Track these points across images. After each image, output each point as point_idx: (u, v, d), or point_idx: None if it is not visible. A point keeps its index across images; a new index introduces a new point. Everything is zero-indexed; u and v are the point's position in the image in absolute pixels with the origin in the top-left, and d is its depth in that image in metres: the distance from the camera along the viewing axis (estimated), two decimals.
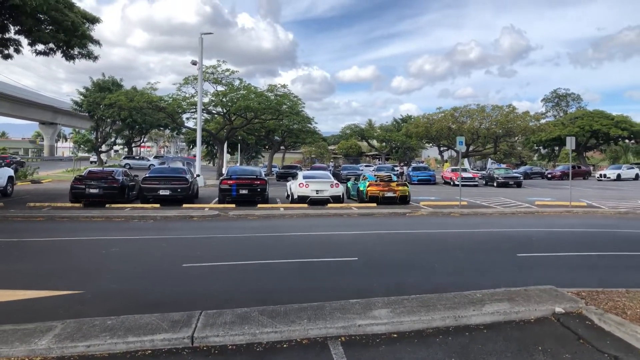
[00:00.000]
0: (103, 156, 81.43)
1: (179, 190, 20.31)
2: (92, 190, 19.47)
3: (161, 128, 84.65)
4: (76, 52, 23.88)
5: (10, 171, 23.80)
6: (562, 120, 65.96)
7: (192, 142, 71.74)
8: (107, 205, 19.40)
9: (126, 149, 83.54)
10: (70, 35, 22.04)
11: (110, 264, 9.58)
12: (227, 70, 39.33)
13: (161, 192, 20.21)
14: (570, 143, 21.05)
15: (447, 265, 9.57)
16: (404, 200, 21.69)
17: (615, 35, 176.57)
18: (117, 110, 48.37)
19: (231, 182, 20.73)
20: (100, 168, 23.24)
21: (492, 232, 14.12)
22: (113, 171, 21.09)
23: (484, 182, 40.59)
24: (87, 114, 64.50)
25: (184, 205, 19.82)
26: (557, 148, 74.17)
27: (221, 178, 22.00)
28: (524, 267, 9.39)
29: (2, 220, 15.73)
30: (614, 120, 59.80)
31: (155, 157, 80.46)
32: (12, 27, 23.12)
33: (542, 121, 53.48)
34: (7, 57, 25.57)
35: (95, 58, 24.43)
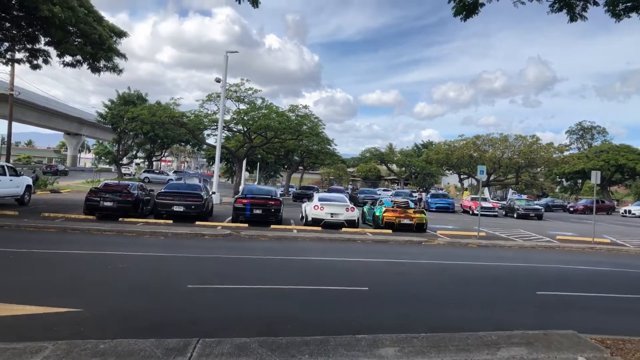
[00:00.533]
0: (126, 168, 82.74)
1: (192, 207, 20.18)
2: (106, 203, 19.44)
3: (182, 143, 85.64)
4: (102, 65, 24.19)
5: (28, 180, 23.96)
6: (587, 153, 64.85)
7: (212, 159, 72.11)
8: (120, 219, 19.33)
9: (146, 163, 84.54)
10: (97, 48, 22.33)
11: (115, 281, 9.36)
12: (250, 89, 39.63)
13: (175, 208, 20.10)
14: (596, 177, 20.44)
15: (461, 299, 9.12)
16: (420, 228, 21.22)
17: None
18: (139, 124, 49.02)
19: (246, 201, 20.54)
20: (117, 181, 23.27)
21: (511, 267, 13.59)
22: (129, 185, 21.07)
23: (503, 212, 39.80)
24: (110, 127, 65.51)
25: (197, 223, 19.65)
26: (579, 181, 72.87)
27: (236, 197, 21.83)
28: (543, 307, 8.90)
29: (15, 230, 15.71)
30: None
31: (175, 172, 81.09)
32: (42, 38, 23.56)
33: (566, 153, 52.55)
34: (36, 67, 26.04)
35: (120, 71, 24.72)
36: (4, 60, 26.51)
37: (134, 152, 77.62)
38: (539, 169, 58.36)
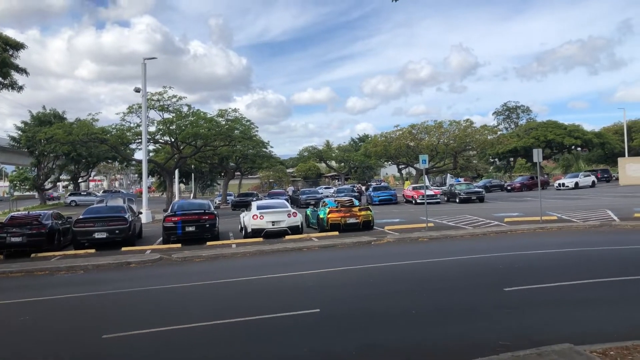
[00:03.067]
0: (51, 193, 77.36)
1: (117, 231, 18.08)
2: (14, 239, 17.01)
3: (109, 161, 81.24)
4: None
5: None
6: (517, 132, 66.65)
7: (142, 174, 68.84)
8: (32, 255, 17.00)
9: (72, 185, 79.47)
10: None
11: (11, 341, 7.49)
12: (174, 96, 37.28)
13: (97, 235, 17.94)
14: (538, 155, 20.08)
15: (426, 309, 7.91)
16: (367, 225, 20.12)
17: (557, 49, 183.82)
18: (58, 145, 45.42)
19: (176, 218, 18.66)
20: (26, 212, 20.69)
21: (469, 261, 12.61)
22: (40, 215, 18.63)
23: (445, 198, 39.65)
24: (26, 150, 60.78)
25: (123, 249, 17.63)
26: (511, 160, 74.95)
27: (165, 215, 19.84)
28: (518, 307, 7.84)
29: None
30: (567, 129, 60.74)
31: (105, 192, 76.73)
32: None
33: (499, 133, 53.56)
34: None
35: (20, 88, 22.15)
36: None
37: (57, 175, 72.63)
38: (472, 152, 59.27)
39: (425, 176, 54.76)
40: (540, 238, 16.04)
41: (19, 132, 60.48)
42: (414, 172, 72.51)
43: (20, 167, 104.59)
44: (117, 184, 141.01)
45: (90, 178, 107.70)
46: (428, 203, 34.50)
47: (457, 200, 36.76)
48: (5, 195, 79.90)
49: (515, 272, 10.59)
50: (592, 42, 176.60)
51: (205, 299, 9.72)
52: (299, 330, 7.28)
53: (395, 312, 7.91)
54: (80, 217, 18.81)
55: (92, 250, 17.59)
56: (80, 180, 78.43)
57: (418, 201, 36.42)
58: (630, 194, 35.06)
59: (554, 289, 8.91)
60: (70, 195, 67.11)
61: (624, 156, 57.20)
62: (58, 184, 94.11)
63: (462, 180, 63.88)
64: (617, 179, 55.36)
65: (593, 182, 49.42)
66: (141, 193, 36.26)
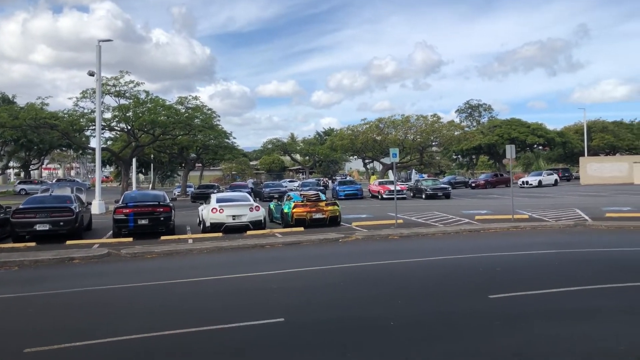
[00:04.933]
0: None
1: (61, 223, 16.49)
2: None
3: (63, 148, 77.69)
4: None
5: None
6: (482, 129, 66.92)
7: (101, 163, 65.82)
8: None
9: (22, 173, 75.66)
10: None
11: None
12: (132, 81, 35.26)
13: (38, 227, 16.31)
14: (511, 151, 19.49)
15: (406, 320, 6.90)
16: (334, 221, 19.11)
17: (517, 49, 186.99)
18: (7, 130, 42.63)
19: (127, 210, 17.19)
20: None
21: (446, 262, 11.72)
22: None
23: (411, 194, 39.15)
24: None
25: (68, 242, 16.09)
26: (474, 157, 75.47)
27: (115, 206, 18.32)
28: (508, 318, 6.93)
29: None
30: (530, 127, 61.30)
31: (58, 180, 73.35)
32: None
33: (465, 129, 53.50)
34: None
35: None
36: None
37: (5, 162, 68.85)
38: (434, 148, 59.15)
39: (390, 171, 54.53)
40: (516, 238, 15.35)
41: None
42: (378, 167, 72.20)
43: None
44: (73, 172, 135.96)
45: (44, 166, 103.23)
46: (393, 198, 34.02)
47: (424, 196, 36.24)
48: None
49: (498, 277, 9.73)
50: (551, 43, 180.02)
51: (150, 305, 8.44)
52: (261, 344, 6.14)
53: (370, 323, 6.86)
54: (20, 206, 17.13)
55: (33, 244, 15.98)
56: (31, 168, 74.76)
57: (384, 196, 35.74)
58: (594, 193, 35.30)
59: (544, 296, 8.04)
60: (19, 183, 63.64)
61: (584, 155, 58.17)
62: (8, 171, 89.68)
63: (425, 176, 63.92)
64: (577, 178, 56.25)
65: (556, 180, 49.92)
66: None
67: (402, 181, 55.40)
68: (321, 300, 8.27)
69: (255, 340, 6.33)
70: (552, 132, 64.15)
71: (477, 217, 20.36)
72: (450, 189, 38.41)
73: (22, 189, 56.56)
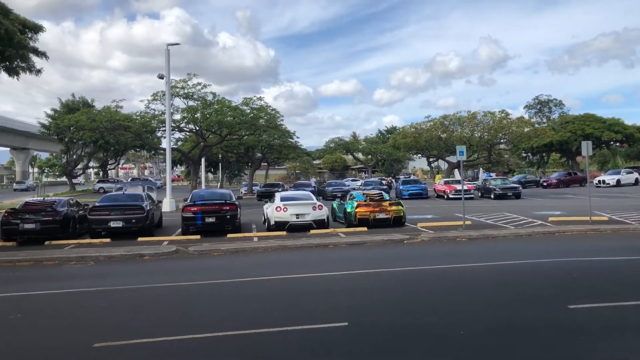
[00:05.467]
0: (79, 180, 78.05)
1: (133, 220, 17.16)
2: (27, 226, 16.25)
3: (137, 149, 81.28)
4: (15, 65, 20.82)
5: None
6: (553, 125, 63.79)
7: (172, 163, 68.22)
8: (46, 243, 16.21)
9: (101, 173, 79.94)
10: (4, 45, 18.96)
11: None
12: (199, 84, 36.31)
13: (112, 224, 17.05)
14: (587, 148, 18.36)
15: (478, 329, 6.53)
16: (398, 221, 18.73)
17: (589, 42, 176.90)
18: (87, 132, 45.14)
19: (195, 208, 17.63)
20: (41, 198, 19.95)
21: (518, 267, 11.12)
22: (55, 202, 17.85)
23: (479, 194, 37.87)
24: (56, 137, 61.00)
25: (139, 239, 16.69)
26: (544, 154, 72.04)
27: (183, 204, 18.85)
28: (594, 332, 6.36)
29: None
30: (606, 123, 57.68)
31: (132, 180, 76.92)
32: None
33: (536, 126, 51.14)
34: None
35: (38, 72, 21.38)
36: None
37: (86, 162, 73.00)
38: (502, 146, 56.92)
39: (456, 170, 53.06)
40: (594, 242, 14.39)
41: (49, 119, 60.77)
42: (443, 166, 70.48)
43: (54, 154, 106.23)
44: (146, 172, 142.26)
45: (120, 166, 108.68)
46: (460, 199, 32.94)
47: (492, 196, 34.94)
48: (34, 181, 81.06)
49: (577, 284, 9.08)
50: (627, 34, 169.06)
51: (215, 303, 8.52)
52: (323, 351, 6.02)
53: (439, 331, 6.56)
54: (96, 204, 17.97)
55: (108, 240, 16.73)
56: (109, 167, 78.82)
57: (451, 196, 34.80)
58: None
59: (633, 309, 7.37)
60: (98, 182, 67.46)
61: None
62: (88, 170, 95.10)
63: (493, 175, 61.64)
64: None
65: (636, 179, 46.67)
66: (172, 181, 35.60)
67: (469, 180, 53.85)
68: (386, 304, 8.02)
69: (319, 344, 6.20)
70: (630, 127, 59.97)
71: (550, 219, 19.33)
72: (520, 188, 36.80)
73: (100, 187, 59.85)
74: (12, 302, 9.01)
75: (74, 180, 69.85)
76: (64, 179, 78.35)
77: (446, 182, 38.30)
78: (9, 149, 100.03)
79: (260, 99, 38.89)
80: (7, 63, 21.15)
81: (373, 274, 10.57)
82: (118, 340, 6.47)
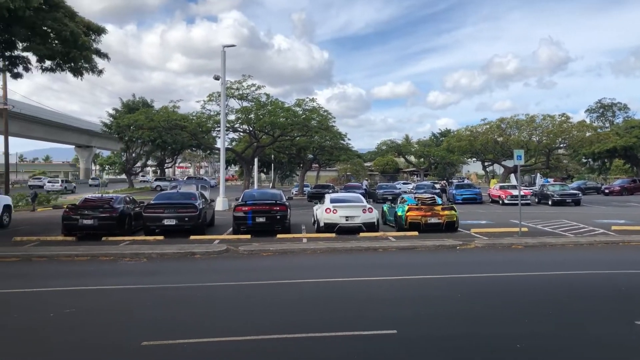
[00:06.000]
0: (139, 177, 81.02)
1: (186, 219, 17.49)
2: (86, 222, 16.86)
3: (193, 149, 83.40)
4: (79, 66, 21.68)
5: (6, 199, 21.55)
6: (617, 130, 60.68)
7: (226, 162, 69.26)
8: (103, 239, 16.77)
9: (158, 171, 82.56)
10: (70, 46, 19.77)
11: (42, 339, 6.65)
12: (253, 85, 36.89)
13: (166, 222, 17.44)
14: None
15: (534, 344, 6.16)
16: (451, 227, 18.22)
17: None
18: (146, 131, 46.64)
19: (246, 208, 17.77)
20: (99, 195, 20.69)
21: (578, 277, 10.52)
22: (112, 199, 18.47)
23: (536, 200, 36.47)
24: (117, 136, 63.48)
25: (192, 237, 16.98)
26: (606, 160, 68.56)
27: (235, 204, 19.07)
28: None
29: None
30: None
31: (188, 178, 78.96)
32: (19, 44, 21.26)
33: (598, 130, 48.78)
34: (17, 75, 23.84)
35: (100, 72, 22.17)
36: None
37: (144, 161, 75.60)
38: (561, 150, 54.60)
39: (512, 175, 51.34)
40: None
41: (111, 118, 63.33)
42: (498, 170, 68.38)
43: (114, 152, 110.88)
44: (202, 171, 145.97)
45: (177, 165, 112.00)
46: (516, 204, 31.79)
47: (550, 203, 33.58)
48: (96, 177, 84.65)
49: None
50: None
51: (261, 304, 8.48)
52: (369, 358, 5.83)
53: (492, 343, 6.23)
54: (151, 202, 18.44)
55: (161, 237, 17.11)
56: (166, 166, 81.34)
57: (506, 202, 33.74)
58: None
59: None
60: (156, 180, 69.81)
61: None
62: (146, 169, 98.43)
63: (551, 180, 59.26)
64: None
65: None
66: (226, 180, 36.34)
67: (526, 186, 52.01)
68: (437, 313, 7.74)
69: (365, 352, 6.00)
70: None
71: (614, 228, 18.30)
72: (580, 195, 35.15)
73: (157, 185, 61.89)
74: (70, 296, 9.29)
75: (141, 178, 72.32)
76: (119, 177, 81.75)
77: (501, 187, 37.17)
78: (74, 146, 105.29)
79: (312, 100, 39.06)
80: (72, 64, 22.08)
81: (424, 281, 10.27)
82: (166, 339, 6.51)
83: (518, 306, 8.08)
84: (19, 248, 15.03)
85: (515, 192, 33.98)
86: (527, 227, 18.74)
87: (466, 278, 10.47)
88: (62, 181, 64.78)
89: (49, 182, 60.98)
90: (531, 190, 39.36)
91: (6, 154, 40.20)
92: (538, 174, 57.63)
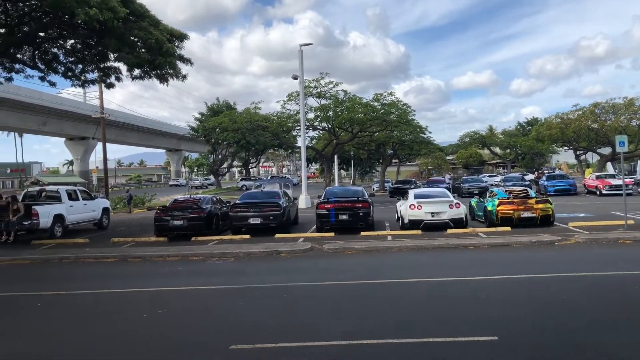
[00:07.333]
0: (224, 177, 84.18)
1: (271, 217, 17.65)
2: (176, 222, 17.46)
3: (275, 148, 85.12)
4: (164, 72, 22.58)
5: (105, 202, 22.90)
6: None
7: (307, 160, 69.78)
8: (192, 239, 17.30)
9: (243, 171, 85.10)
10: (155, 53, 20.61)
11: (132, 341, 6.80)
12: (330, 82, 36.81)
13: (251, 221, 17.68)
14: None
15: None
16: (546, 221, 17.03)
17: None
18: (230, 133, 48.06)
19: (329, 206, 17.61)
20: (188, 196, 21.41)
21: None
22: (200, 199, 19.02)
23: (638, 189, 33.56)
24: (203, 139, 66.03)
25: (277, 236, 17.09)
26: None
27: (317, 202, 19.01)
28: None
29: (73, 262, 14.03)
30: None
31: (272, 177, 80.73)
32: (111, 55, 22.50)
33: None
34: (110, 86, 25.31)
35: (184, 77, 22.95)
36: (80, 82, 25.95)
37: (230, 162, 78.17)
38: None
39: (609, 163, 47.63)
40: None
41: (197, 122, 66.02)
42: (591, 158, 63.85)
43: (202, 155, 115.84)
44: (284, 170, 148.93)
45: (261, 164, 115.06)
46: (616, 194, 29.37)
47: None
48: (186, 179, 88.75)
49: None
50: None
51: (348, 306, 8.21)
52: None
53: (606, 353, 5.56)
54: (237, 202, 18.79)
55: (248, 236, 17.37)
56: (250, 166, 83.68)
57: (604, 192, 31.30)
58: None
59: None
60: (241, 180, 72.04)
61: None
62: (232, 169, 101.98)
63: None
64: None
65: None
66: (308, 178, 36.70)
67: (626, 174, 48.14)
68: (540, 316, 7.08)
69: (466, 357, 5.57)
70: None
71: None
72: None
73: (243, 185, 63.75)
74: (163, 297, 9.53)
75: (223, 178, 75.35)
76: (205, 178, 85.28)
77: (598, 177, 34.54)
78: (165, 150, 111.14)
79: (391, 94, 38.38)
80: (158, 71, 23.05)
81: (523, 280, 9.55)
82: (255, 342, 6.40)
83: (631, 310, 7.23)
84: (117, 249, 15.83)
85: (614, 182, 31.44)
86: (632, 220, 17.15)
87: (569, 277, 9.61)
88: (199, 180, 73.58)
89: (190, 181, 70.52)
90: (633, 179, 36.30)
91: (105, 159, 42.95)
92: (639, 162, 53.16)
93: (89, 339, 7.00)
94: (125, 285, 10.77)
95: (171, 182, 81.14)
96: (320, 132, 44.57)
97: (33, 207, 17.63)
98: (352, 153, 60.67)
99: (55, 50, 23.40)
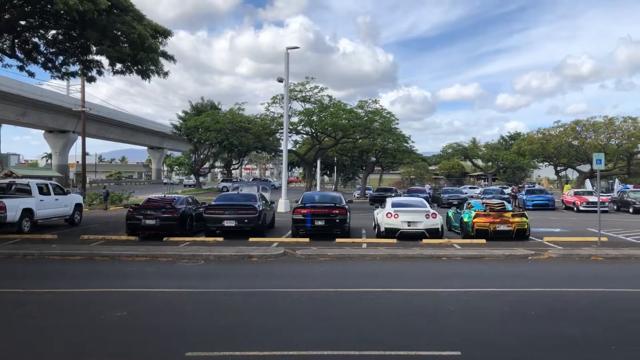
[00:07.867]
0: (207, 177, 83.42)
1: (246, 220, 17.37)
2: (148, 222, 17.09)
3: (258, 150, 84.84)
4: (145, 68, 22.22)
5: (78, 198, 22.39)
6: None
7: (289, 164, 69.53)
8: (164, 239, 16.95)
9: (225, 172, 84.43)
10: (137, 49, 20.25)
11: (85, 342, 6.52)
12: (316, 87, 36.70)
13: (226, 223, 17.39)
14: None
15: None
16: (521, 235, 17.05)
17: None
18: (213, 133, 47.62)
19: (305, 211, 17.41)
20: (162, 195, 21.05)
21: None
22: (174, 199, 18.66)
23: (614, 207, 34.00)
24: (186, 138, 65.38)
25: (251, 239, 16.82)
26: None
27: (294, 206, 18.80)
28: None
29: (37, 259, 13.62)
30: None
31: (254, 179, 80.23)
32: (93, 48, 22.07)
33: None
34: (91, 79, 24.88)
35: (166, 74, 22.63)
36: (60, 74, 25.38)
37: (212, 162, 77.49)
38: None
39: (588, 180, 48.23)
40: None
41: (180, 121, 65.37)
42: (571, 175, 64.64)
43: (184, 154, 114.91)
44: (267, 172, 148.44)
45: (244, 166, 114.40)
46: (594, 211, 29.62)
47: (631, 210, 31.11)
48: (164, 178, 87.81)
49: None
50: None
51: (313, 314, 8.01)
52: None
53: None
54: (212, 203, 18.49)
55: (221, 239, 17.08)
56: (232, 167, 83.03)
57: (581, 208, 31.62)
58: None
59: None
60: (222, 181, 71.39)
61: None
62: (214, 170, 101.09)
63: (631, 187, 55.19)
64: None
65: None
66: (290, 182, 36.46)
67: (603, 192, 48.71)
68: (507, 333, 6.96)
69: None
70: None
71: None
72: None
73: (224, 186, 63.20)
74: (125, 298, 9.24)
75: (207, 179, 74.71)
76: (183, 177, 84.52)
77: (576, 193, 34.92)
78: (147, 147, 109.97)
79: (375, 101, 38.43)
80: (140, 66, 22.67)
81: (493, 294, 9.44)
82: (213, 350, 6.17)
83: (601, 328, 7.15)
84: (85, 247, 15.40)
85: (592, 199, 31.78)
86: (606, 237, 17.26)
87: (540, 293, 9.53)
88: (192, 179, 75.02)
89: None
90: (609, 197, 36.75)
91: (83, 153, 42.28)
92: (617, 180, 53.92)
93: (35, 340, 6.70)
94: (87, 284, 10.42)
95: (164, 180, 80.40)
96: (304, 136, 44.38)
97: (0, 199, 17.13)
98: (335, 159, 60.60)
99: (35, 40, 22.86)
